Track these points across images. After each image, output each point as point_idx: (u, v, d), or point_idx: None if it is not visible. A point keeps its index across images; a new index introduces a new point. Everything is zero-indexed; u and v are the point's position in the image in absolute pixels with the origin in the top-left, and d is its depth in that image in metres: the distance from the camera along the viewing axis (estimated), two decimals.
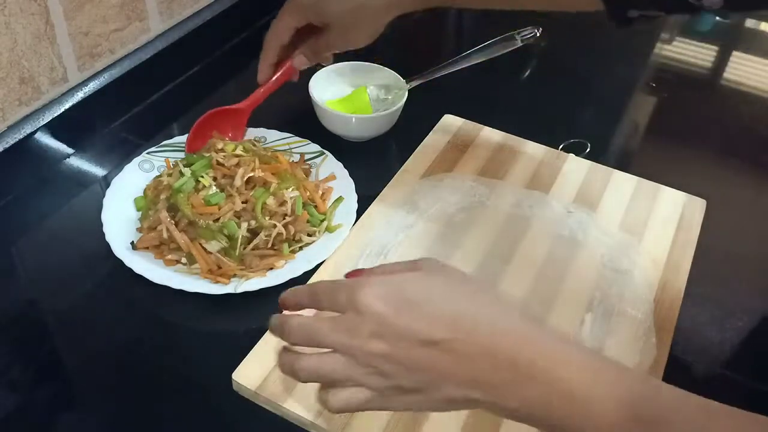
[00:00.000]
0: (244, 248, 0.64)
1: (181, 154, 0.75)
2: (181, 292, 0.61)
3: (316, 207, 0.70)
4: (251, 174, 0.67)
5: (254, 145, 0.74)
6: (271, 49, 0.76)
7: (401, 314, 0.43)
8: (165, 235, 0.64)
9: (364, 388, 0.45)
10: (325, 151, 0.77)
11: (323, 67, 0.83)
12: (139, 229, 0.67)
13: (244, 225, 0.64)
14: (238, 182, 0.66)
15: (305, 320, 0.47)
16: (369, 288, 0.44)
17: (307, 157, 0.77)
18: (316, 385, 0.55)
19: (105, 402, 0.57)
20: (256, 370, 0.56)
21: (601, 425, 0.40)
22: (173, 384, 0.58)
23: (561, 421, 0.41)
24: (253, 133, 0.78)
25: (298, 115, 0.84)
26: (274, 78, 0.78)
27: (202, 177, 0.67)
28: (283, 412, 0.55)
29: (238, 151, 0.70)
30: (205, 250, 0.64)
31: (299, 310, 0.49)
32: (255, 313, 0.61)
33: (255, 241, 0.64)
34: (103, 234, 0.65)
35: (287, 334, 0.47)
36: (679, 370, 0.59)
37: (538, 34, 0.92)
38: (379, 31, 0.73)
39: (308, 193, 0.70)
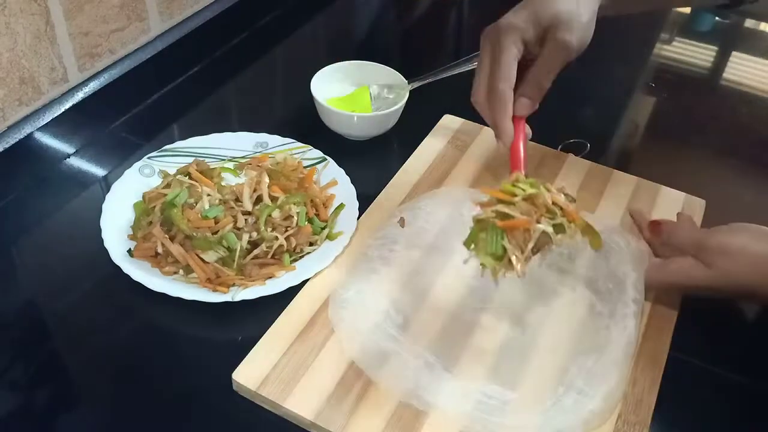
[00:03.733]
0: (244, 258, 0.63)
1: (182, 159, 0.75)
2: (180, 299, 0.61)
3: (318, 215, 0.69)
4: (259, 194, 0.67)
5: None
6: (509, 99, 0.63)
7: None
8: (160, 249, 0.64)
9: None
10: (327, 158, 0.76)
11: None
12: (132, 237, 0.67)
13: (245, 237, 0.63)
14: (248, 205, 0.65)
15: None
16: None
17: (308, 163, 0.75)
18: (315, 385, 0.56)
19: (104, 403, 0.57)
20: (256, 370, 0.56)
21: None
22: (173, 385, 0.58)
23: None
24: (254, 138, 0.78)
25: (300, 114, 0.84)
26: (518, 136, 0.64)
27: (198, 188, 0.66)
28: (283, 412, 0.55)
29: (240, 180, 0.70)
30: (202, 260, 0.63)
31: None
32: (253, 320, 0.61)
33: (255, 252, 0.64)
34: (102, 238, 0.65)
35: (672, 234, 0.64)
36: (679, 370, 0.59)
37: None
38: (592, 26, 0.64)
39: (315, 210, 0.69)
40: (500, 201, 0.55)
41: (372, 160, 0.81)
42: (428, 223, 0.70)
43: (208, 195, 0.66)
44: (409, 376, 0.57)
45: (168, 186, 0.69)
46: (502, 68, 0.62)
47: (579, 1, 0.63)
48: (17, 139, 0.72)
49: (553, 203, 0.55)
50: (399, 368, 0.57)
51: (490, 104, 0.64)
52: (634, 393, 0.57)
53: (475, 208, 0.58)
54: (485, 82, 0.64)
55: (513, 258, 0.53)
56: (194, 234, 0.63)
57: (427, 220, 0.71)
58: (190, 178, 0.69)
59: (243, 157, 0.76)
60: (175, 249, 0.63)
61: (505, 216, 0.54)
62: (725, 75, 1.04)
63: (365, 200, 0.72)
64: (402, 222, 0.69)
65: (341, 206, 0.71)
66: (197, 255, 0.63)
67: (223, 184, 0.71)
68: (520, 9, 0.63)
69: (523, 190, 0.55)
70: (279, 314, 0.61)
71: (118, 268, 0.63)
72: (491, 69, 0.63)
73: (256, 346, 0.58)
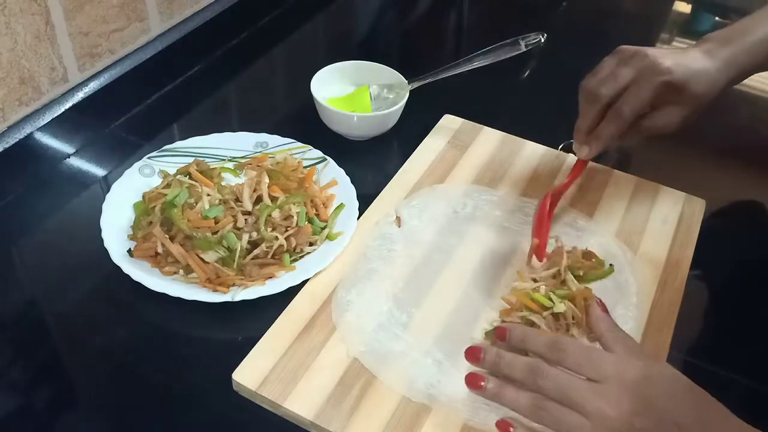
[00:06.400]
0: (244, 258, 0.63)
1: (182, 159, 0.74)
2: (180, 299, 0.61)
3: (318, 215, 0.69)
4: (259, 194, 0.67)
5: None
6: (626, 124, 0.65)
7: (669, 400, 0.48)
8: (160, 249, 0.64)
9: None
10: (327, 158, 0.75)
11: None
12: (132, 237, 0.66)
13: (245, 237, 0.63)
14: (248, 205, 0.66)
15: (565, 375, 0.50)
16: (637, 368, 0.50)
17: (308, 163, 0.75)
18: (315, 385, 0.55)
19: (104, 403, 0.57)
20: (256, 370, 0.56)
21: None
22: (173, 385, 0.58)
23: None
24: (254, 138, 0.78)
25: (300, 114, 0.84)
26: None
27: (198, 188, 0.66)
28: (283, 412, 0.55)
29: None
30: (202, 260, 0.63)
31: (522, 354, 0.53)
32: (253, 320, 0.61)
33: (255, 252, 0.64)
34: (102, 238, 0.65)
35: (543, 378, 0.50)
36: (678, 370, 0.59)
37: (542, 40, 0.92)
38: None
39: (315, 210, 0.69)
40: (528, 308, 0.60)
41: (372, 160, 0.81)
42: (422, 221, 0.71)
43: (208, 195, 0.66)
44: (418, 374, 0.57)
45: (168, 186, 0.69)
46: (636, 100, 0.64)
47: (715, 91, 0.65)
48: (17, 139, 0.72)
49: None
50: (408, 367, 0.58)
51: (608, 116, 0.66)
52: None
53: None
54: (615, 87, 0.65)
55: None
56: (194, 234, 0.63)
57: (421, 218, 0.71)
58: (190, 178, 0.69)
59: (243, 157, 0.76)
60: (175, 249, 0.63)
61: (531, 324, 0.59)
62: None
63: (365, 200, 0.72)
64: (398, 221, 0.70)
65: (341, 206, 0.71)
66: (197, 255, 0.63)
67: (223, 184, 0.71)
68: (684, 71, 0.63)
69: (552, 302, 0.59)
70: (279, 314, 0.61)
71: (118, 268, 0.63)
72: (628, 89, 0.64)
73: (256, 346, 0.58)
